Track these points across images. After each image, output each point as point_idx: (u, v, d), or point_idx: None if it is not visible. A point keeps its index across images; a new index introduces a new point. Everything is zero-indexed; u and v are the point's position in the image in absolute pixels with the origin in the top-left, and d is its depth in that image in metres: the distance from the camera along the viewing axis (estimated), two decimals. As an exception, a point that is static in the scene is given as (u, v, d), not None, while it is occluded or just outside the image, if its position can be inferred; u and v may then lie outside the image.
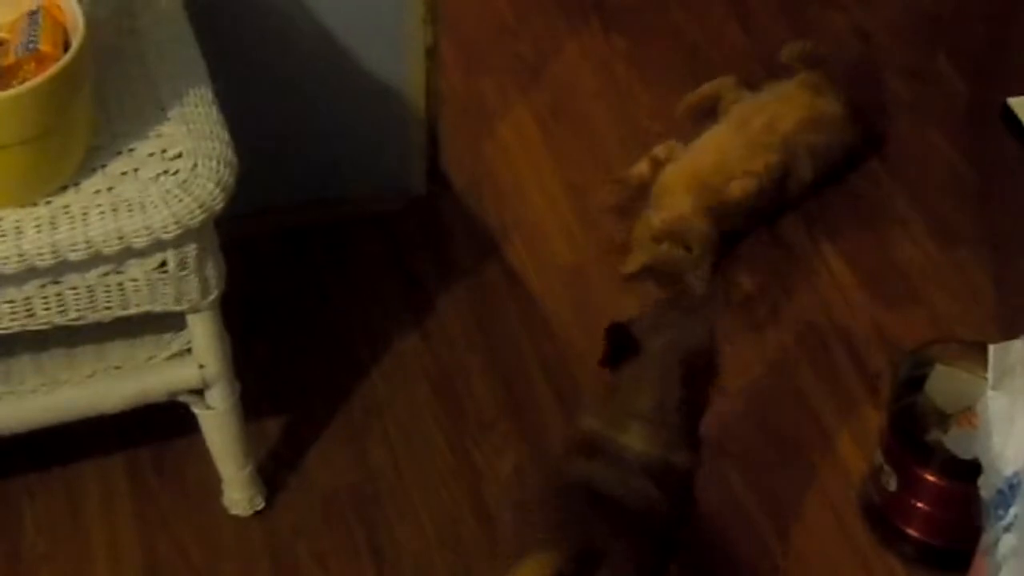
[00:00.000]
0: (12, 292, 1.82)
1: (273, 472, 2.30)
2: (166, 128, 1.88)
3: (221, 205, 1.84)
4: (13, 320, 1.85)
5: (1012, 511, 1.62)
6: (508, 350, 2.50)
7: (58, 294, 1.84)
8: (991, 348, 1.63)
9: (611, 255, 2.67)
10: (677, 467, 1.95)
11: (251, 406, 2.18)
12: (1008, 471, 1.61)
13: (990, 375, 1.63)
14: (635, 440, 1.94)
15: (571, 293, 2.60)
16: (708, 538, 2.24)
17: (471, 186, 2.78)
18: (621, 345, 1.98)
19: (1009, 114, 1.53)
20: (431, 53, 2.56)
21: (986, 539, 1.69)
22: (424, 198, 2.75)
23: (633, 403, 1.95)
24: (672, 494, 1.95)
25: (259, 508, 2.25)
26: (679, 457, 1.95)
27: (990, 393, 1.63)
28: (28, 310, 1.85)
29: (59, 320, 1.88)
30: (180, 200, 1.81)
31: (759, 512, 2.28)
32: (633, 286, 2.61)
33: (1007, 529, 1.63)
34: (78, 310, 1.87)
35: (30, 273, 1.80)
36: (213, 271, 1.93)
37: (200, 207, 1.82)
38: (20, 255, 1.76)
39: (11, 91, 1.67)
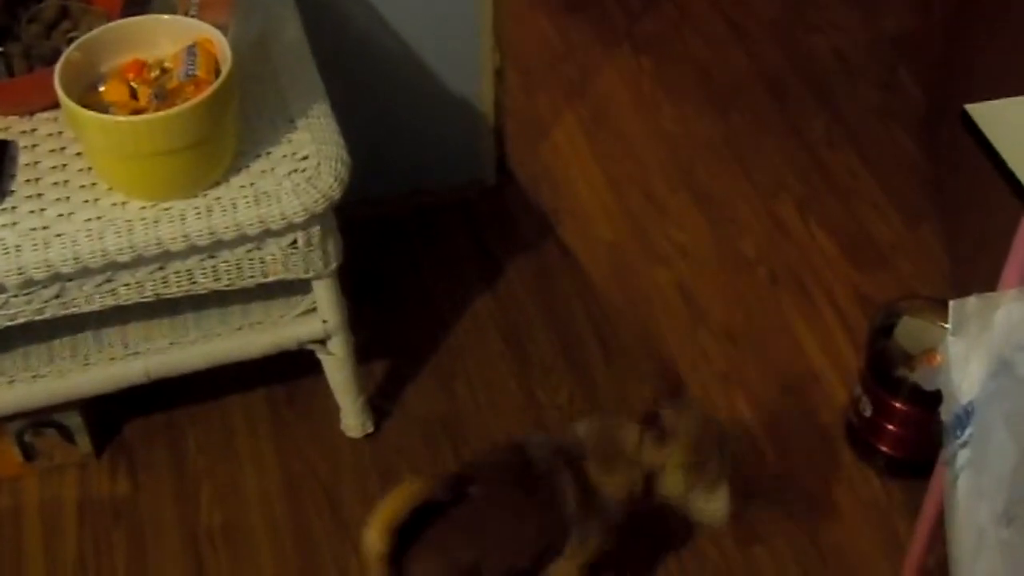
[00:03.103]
0: (178, 265, 1.85)
1: (379, 404, 2.32)
2: (295, 136, 1.90)
3: (338, 195, 1.87)
4: (179, 287, 1.88)
5: (968, 431, 1.61)
6: (562, 308, 2.50)
7: (213, 266, 1.88)
8: (952, 303, 1.61)
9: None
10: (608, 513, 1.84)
11: (362, 352, 2.20)
12: (964, 400, 1.60)
13: (951, 324, 1.62)
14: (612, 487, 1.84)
15: (611, 263, 2.60)
16: (740, 447, 2.23)
17: (531, 179, 2.78)
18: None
19: (967, 118, 1.51)
20: (499, 75, 2.56)
21: (945, 454, 1.68)
22: (494, 188, 2.75)
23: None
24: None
25: (369, 432, 2.27)
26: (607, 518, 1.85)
27: (950, 339, 1.62)
28: (191, 279, 1.88)
29: (214, 286, 1.91)
30: (307, 192, 1.83)
31: (760, 432, 2.28)
32: (663, 261, 2.59)
33: (963, 445, 1.63)
34: (228, 278, 1.90)
35: (192, 250, 1.83)
36: (333, 247, 1.95)
37: (323, 197, 1.84)
38: (184, 236, 1.80)
39: (176, 108, 1.70)
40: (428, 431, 2.28)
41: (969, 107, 1.51)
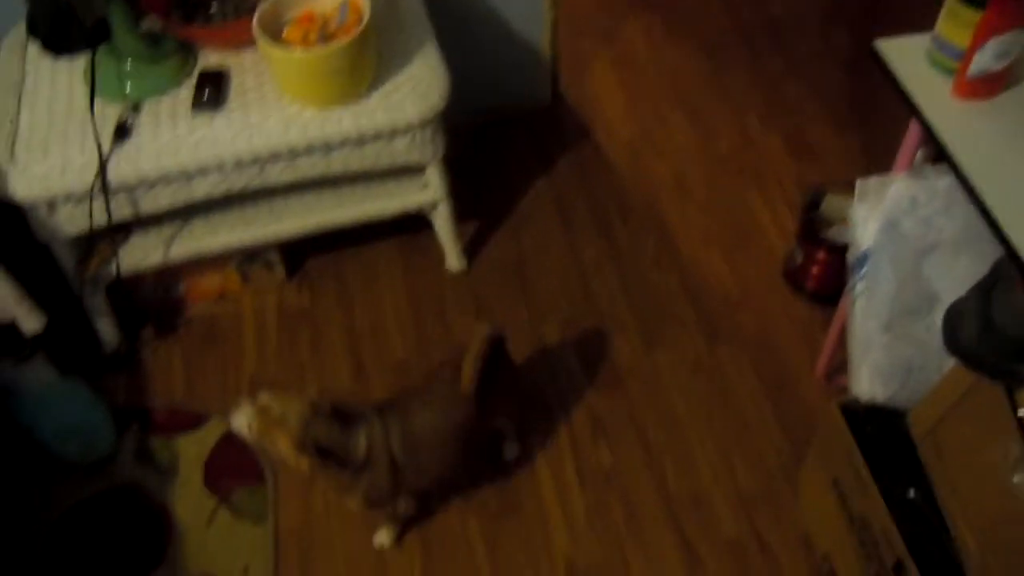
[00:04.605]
0: (337, 152, 1.87)
1: (471, 250, 2.33)
2: (413, 66, 1.89)
3: (443, 106, 1.87)
4: (338, 168, 1.91)
5: (864, 269, 1.60)
6: (594, 188, 2.47)
7: (360, 154, 1.89)
8: (858, 180, 1.59)
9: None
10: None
11: (459, 215, 2.20)
12: (864, 247, 1.59)
13: (856, 195, 1.59)
14: None
15: (628, 157, 2.56)
16: (699, 284, 2.23)
17: (576, 99, 2.73)
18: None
19: (875, 52, 1.46)
20: (554, 26, 2.50)
21: (849, 285, 1.67)
22: (550, 106, 2.70)
23: None
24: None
25: (464, 268, 2.29)
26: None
27: (856, 205, 1.60)
28: (346, 162, 1.90)
29: (361, 167, 1.93)
30: (422, 103, 1.83)
31: (727, 274, 2.27)
32: (664, 156, 2.55)
33: (861, 279, 1.62)
34: (370, 162, 1.92)
35: (346, 142, 1.85)
36: (440, 142, 1.95)
37: (432, 107, 1.84)
38: (341, 132, 1.82)
39: (333, 45, 1.70)
40: (502, 268, 2.29)
41: (878, 42, 1.46)
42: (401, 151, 1.90)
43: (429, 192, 2.07)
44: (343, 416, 1.56)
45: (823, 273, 2.13)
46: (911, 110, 1.40)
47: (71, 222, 1.83)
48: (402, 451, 1.60)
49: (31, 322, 1.83)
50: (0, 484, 1.94)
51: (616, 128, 2.63)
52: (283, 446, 1.49)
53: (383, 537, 1.82)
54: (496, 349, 1.67)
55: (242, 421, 1.51)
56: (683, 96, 2.71)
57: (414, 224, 2.26)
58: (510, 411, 1.87)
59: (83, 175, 1.74)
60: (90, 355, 2.11)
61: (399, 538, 1.84)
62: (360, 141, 1.84)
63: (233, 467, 1.94)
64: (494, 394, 1.68)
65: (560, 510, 1.87)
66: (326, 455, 1.52)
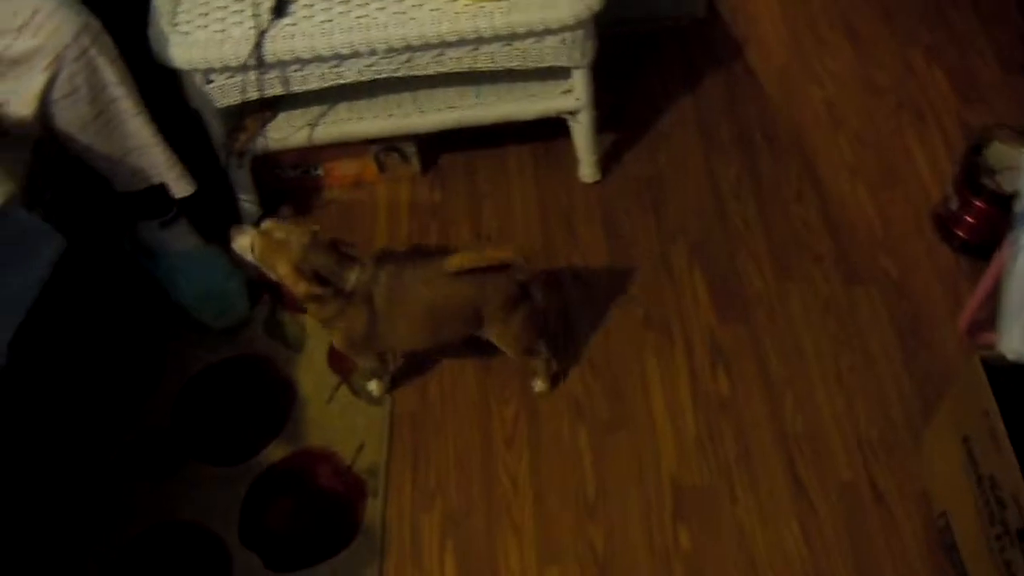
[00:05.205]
0: (486, 47, 1.86)
1: (605, 162, 2.28)
2: (573, -37, 1.83)
3: (598, 9, 1.81)
4: (485, 63, 1.89)
5: (1033, 221, 1.50)
6: (740, 110, 2.37)
7: (508, 51, 1.87)
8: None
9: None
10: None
11: (598, 125, 2.15)
12: (1034, 198, 1.48)
13: (1032, 142, 1.48)
14: None
15: (780, 80, 2.44)
16: (840, 220, 2.14)
17: (730, 14, 2.60)
18: None
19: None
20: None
21: (1010, 237, 1.57)
22: (703, 20, 2.58)
23: None
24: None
25: (597, 180, 2.25)
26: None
27: (1031, 152, 1.48)
28: (492, 59, 1.88)
29: (507, 65, 1.90)
30: (578, 4, 1.79)
31: (872, 211, 2.16)
32: (817, 81, 2.42)
33: (1027, 231, 1.51)
34: (518, 60, 1.89)
35: (496, 38, 1.83)
36: (590, 46, 1.91)
37: (588, 8, 1.80)
38: (492, 27, 1.80)
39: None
40: (635, 185, 2.24)
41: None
42: (550, 52, 1.86)
43: (572, 98, 2.03)
44: (340, 252, 1.62)
45: (978, 222, 2.00)
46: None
47: (223, 93, 1.87)
48: (383, 303, 1.64)
49: (182, 186, 1.90)
50: (140, 339, 2.06)
51: (770, 47, 2.51)
52: (283, 269, 1.57)
53: (373, 386, 1.92)
54: (521, 286, 1.68)
55: (245, 242, 1.59)
56: (844, 19, 2.55)
57: (550, 130, 2.22)
58: (520, 346, 1.80)
59: (239, 48, 1.77)
60: (230, 226, 2.18)
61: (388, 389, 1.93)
62: (510, 37, 1.81)
63: (356, 349, 2.00)
64: (492, 315, 1.70)
65: (671, 430, 1.86)
66: (322, 283, 1.58)
